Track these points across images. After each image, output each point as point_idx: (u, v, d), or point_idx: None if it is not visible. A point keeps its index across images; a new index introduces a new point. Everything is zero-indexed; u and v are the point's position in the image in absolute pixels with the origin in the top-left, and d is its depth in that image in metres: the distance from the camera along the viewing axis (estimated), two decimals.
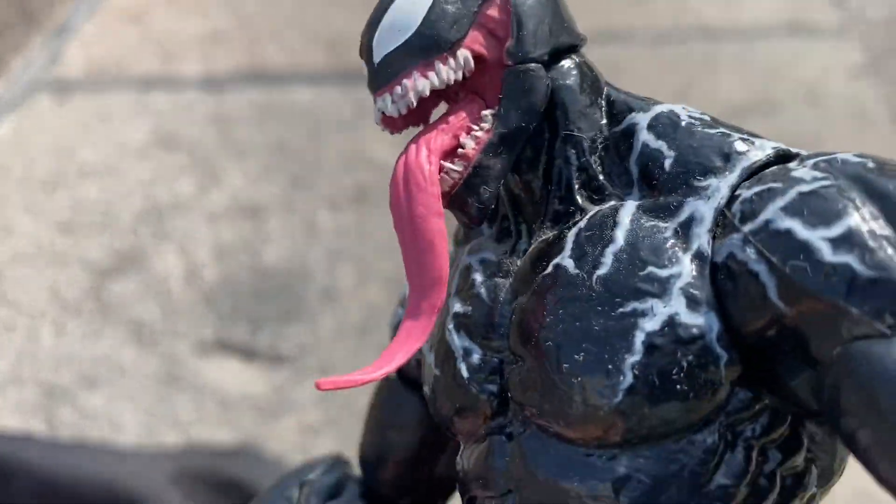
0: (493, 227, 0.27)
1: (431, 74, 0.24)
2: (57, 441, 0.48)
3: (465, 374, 0.25)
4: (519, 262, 0.25)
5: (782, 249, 0.21)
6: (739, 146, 0.23)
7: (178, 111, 0.96)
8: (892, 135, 0.99)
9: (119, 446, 0.53)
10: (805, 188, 0.21)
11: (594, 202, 0.25)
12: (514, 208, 0.26)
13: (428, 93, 0.24)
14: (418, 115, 0.26)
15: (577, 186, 0.25)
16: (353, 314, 0.70)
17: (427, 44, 0.24)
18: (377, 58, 0.25)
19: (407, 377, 0.31)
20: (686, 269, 0.22)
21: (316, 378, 0.68)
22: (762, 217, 0.21)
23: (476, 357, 0.25)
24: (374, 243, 0.77)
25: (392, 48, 0.24)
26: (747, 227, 0.22)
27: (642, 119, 0.25)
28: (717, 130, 0.24)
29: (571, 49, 0.26)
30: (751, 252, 0.21)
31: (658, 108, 0.25)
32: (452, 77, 0.24)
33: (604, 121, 0.25)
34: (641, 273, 0.22)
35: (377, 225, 0.79)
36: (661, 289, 0.22)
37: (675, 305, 0.22)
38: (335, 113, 0.93)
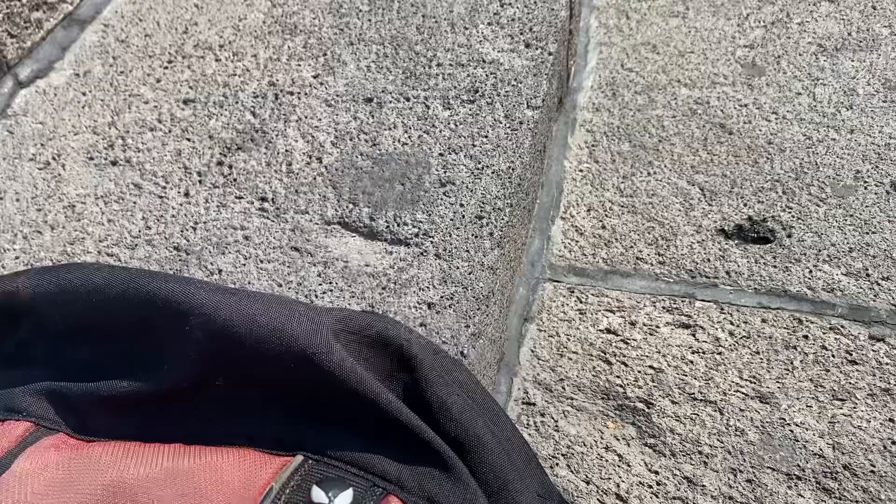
0: None
1: None
2: (226, 287, 0.51)
3: None
4: None
5: None
6: None
7: None
8: None
9: (284, 297, 0.56)
10: None
11: None
12: None
13: None
14: None
15: None
16: (470, 206, 0.73)
17: None
18: None
19: None
20: None
21: (435, 261, 0.71)
22: None
23: None
24: (484, 138, 0.79)
25: None
26: None
27: None
28: None
29: None
30: None
31: None
32: None
33: None
34: None
35: (488, 121, 0.80)
36: None
37: None
38: (447, 8, 0.94)
